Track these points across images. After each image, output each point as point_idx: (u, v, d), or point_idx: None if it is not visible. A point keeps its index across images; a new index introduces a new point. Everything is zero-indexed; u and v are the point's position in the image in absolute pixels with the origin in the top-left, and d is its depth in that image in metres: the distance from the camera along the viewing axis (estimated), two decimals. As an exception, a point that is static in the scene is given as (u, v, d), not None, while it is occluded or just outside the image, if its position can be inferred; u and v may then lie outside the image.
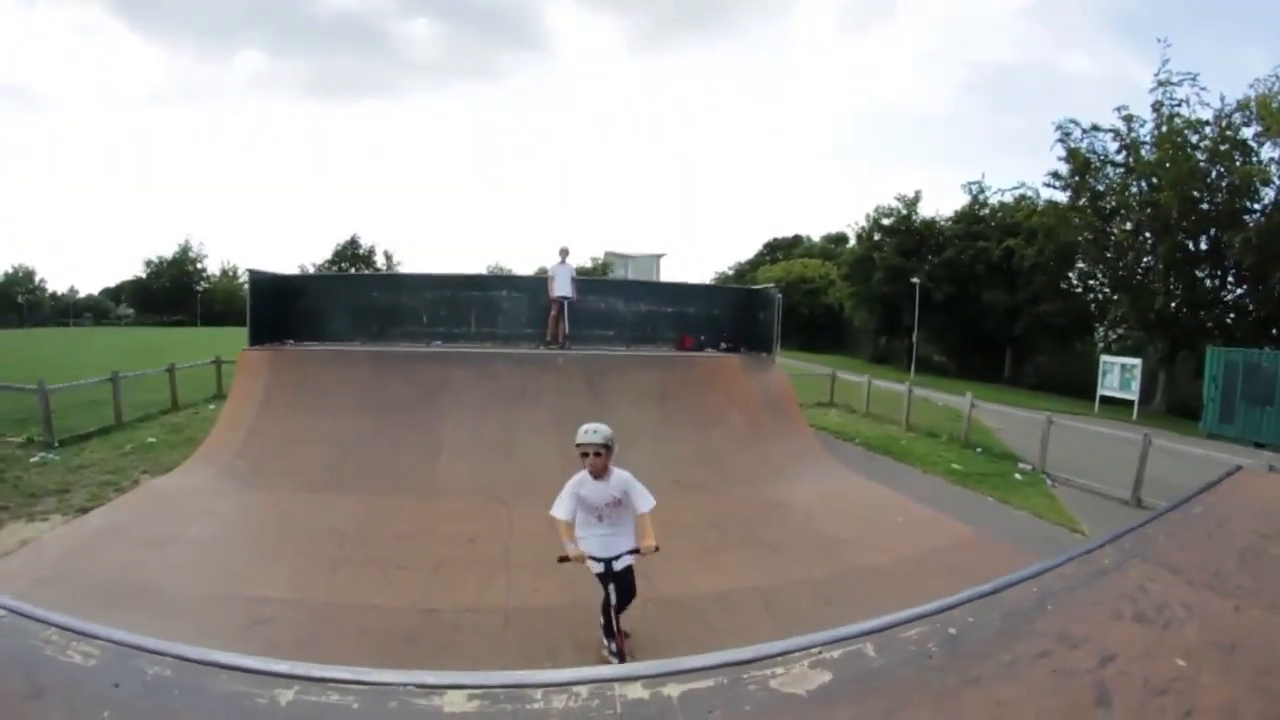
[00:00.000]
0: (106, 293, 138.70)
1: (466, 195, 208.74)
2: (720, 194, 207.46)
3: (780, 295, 19.83)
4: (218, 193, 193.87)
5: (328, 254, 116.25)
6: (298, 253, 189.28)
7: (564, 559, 6.60)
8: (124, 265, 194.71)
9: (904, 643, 2.49)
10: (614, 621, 6.78)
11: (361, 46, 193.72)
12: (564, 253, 19.17)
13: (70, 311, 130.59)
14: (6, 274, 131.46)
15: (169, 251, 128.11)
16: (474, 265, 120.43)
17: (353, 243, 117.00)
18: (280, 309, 19.83)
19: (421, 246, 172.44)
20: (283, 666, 2.41)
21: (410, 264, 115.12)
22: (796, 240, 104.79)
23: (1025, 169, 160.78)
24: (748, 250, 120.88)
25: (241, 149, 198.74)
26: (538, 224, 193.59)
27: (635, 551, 6.70)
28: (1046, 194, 48.58)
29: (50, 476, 15.09)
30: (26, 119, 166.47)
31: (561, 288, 18.60)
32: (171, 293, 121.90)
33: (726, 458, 14.05)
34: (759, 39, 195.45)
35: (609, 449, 6.62)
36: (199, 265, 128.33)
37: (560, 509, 6.77)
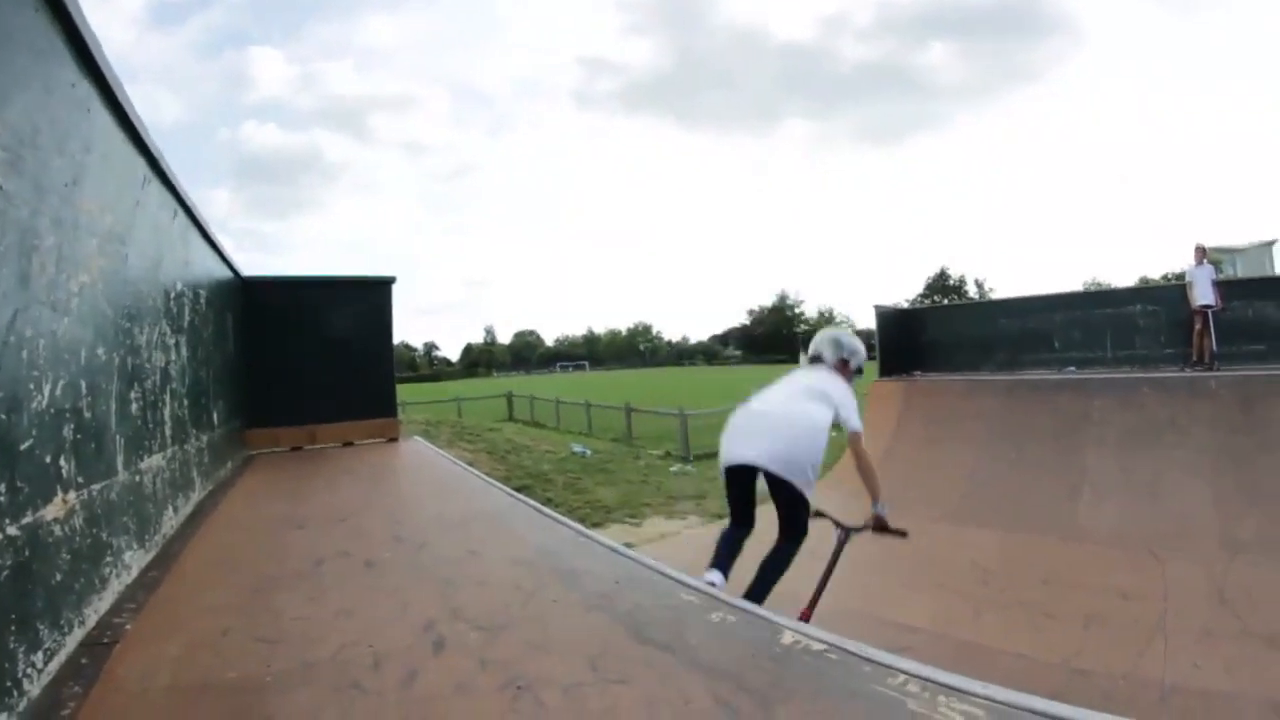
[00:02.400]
0: (714, 338, 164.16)
1: (1041, 206, 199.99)
2: None
3: None
4: (804, 244, 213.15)
5: (919, 287, 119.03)
6: (889, 290, 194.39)
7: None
8: (729, 315, 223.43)
9: None
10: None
11: (890, 87, 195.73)
12: (1200, 251, 16.68)
13: (683, 355, 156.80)
14: (629, 328, 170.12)
15: (768, 300, 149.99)
16: (1068, 282, 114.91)
17: (942, 275, 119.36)
18: (907, 341, 20.29)
19: (1010, 270, 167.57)
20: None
21: (1002, 289, 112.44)
22: None
23: None
24: None
25: (814, 203, 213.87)
26: (1123, 226, 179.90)
27: None
28: None
29: (687, 484, 16.50)
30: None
31: (1203, 295, 16.14)
32: (772, 335, 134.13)
33: None
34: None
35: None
36: (797, 310, 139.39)
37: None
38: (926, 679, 2.63)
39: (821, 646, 2.99)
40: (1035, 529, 11.48)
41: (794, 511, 5.54)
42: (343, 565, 4.41)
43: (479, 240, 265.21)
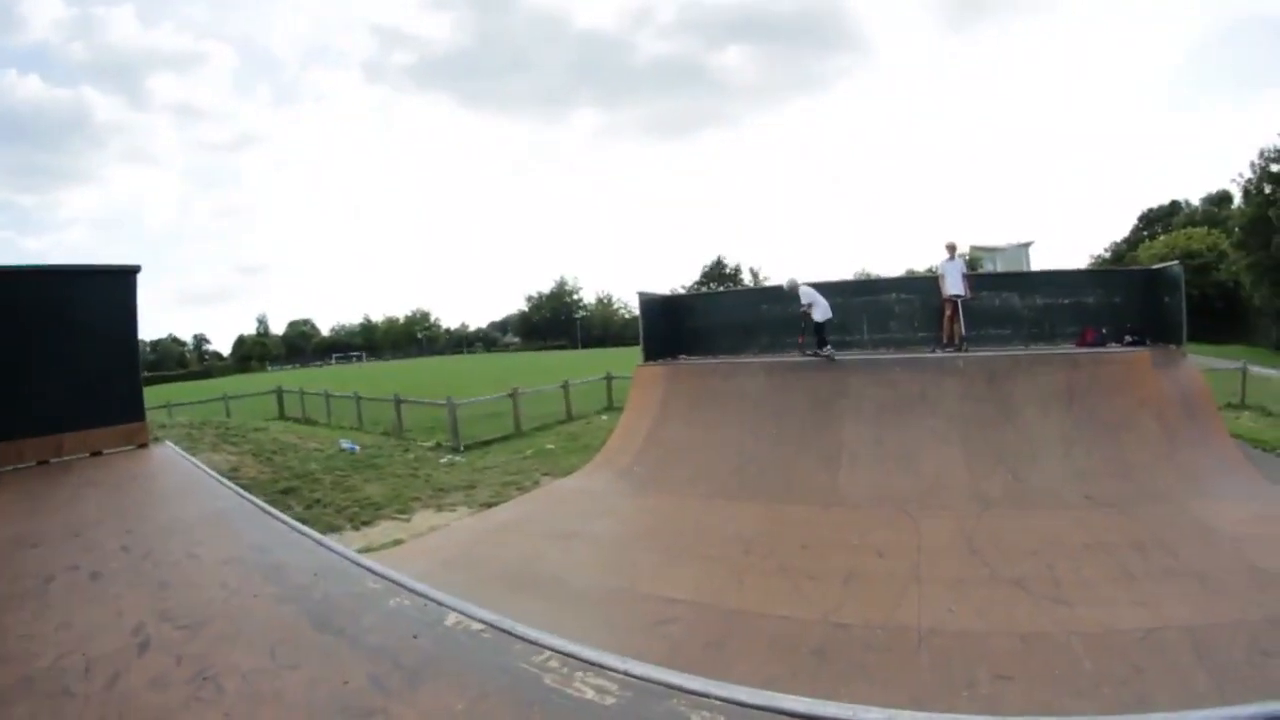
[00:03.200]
0: (494, 325, 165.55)
1: (821, 205, 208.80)
2: (1078, 168, 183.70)
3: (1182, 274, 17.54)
4: (585, 232, 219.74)
5: (695, 275, 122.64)
6: (666, 277, 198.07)
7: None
8: (508, 302, 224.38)
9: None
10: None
11: (683, 84, 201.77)
12: (951, 249, 18.11)
13: (463, 343, 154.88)
14: (406, 316, 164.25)
15: (547, 287, 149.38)
16: (839, 274, 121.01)
17: (718, 263, 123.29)
18: (671, 326, 20.81)
19: (784, 261, 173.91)
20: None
21: (776, 279, 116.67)
22: (1174, 208, 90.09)
23: None
24: (1120, 228, 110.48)
25: (597, 191, 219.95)
26: (895, 226, 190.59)
27: None
28: None
29: (457, 475, 16.41)
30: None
31: (953, 286, 17.57)
32: (551, 322, 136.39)
33: (1140, 469, 12.37)
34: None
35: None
36: (575, 296, 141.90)
37: None
38: (568, 654, 2.85)
39: (480, 626, 3.19)
40: (797, 499, 11.98)
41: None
42: (70, 579, 4.36)
43: (255, 221, 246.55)
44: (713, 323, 21.43)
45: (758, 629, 7.80)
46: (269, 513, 5.80)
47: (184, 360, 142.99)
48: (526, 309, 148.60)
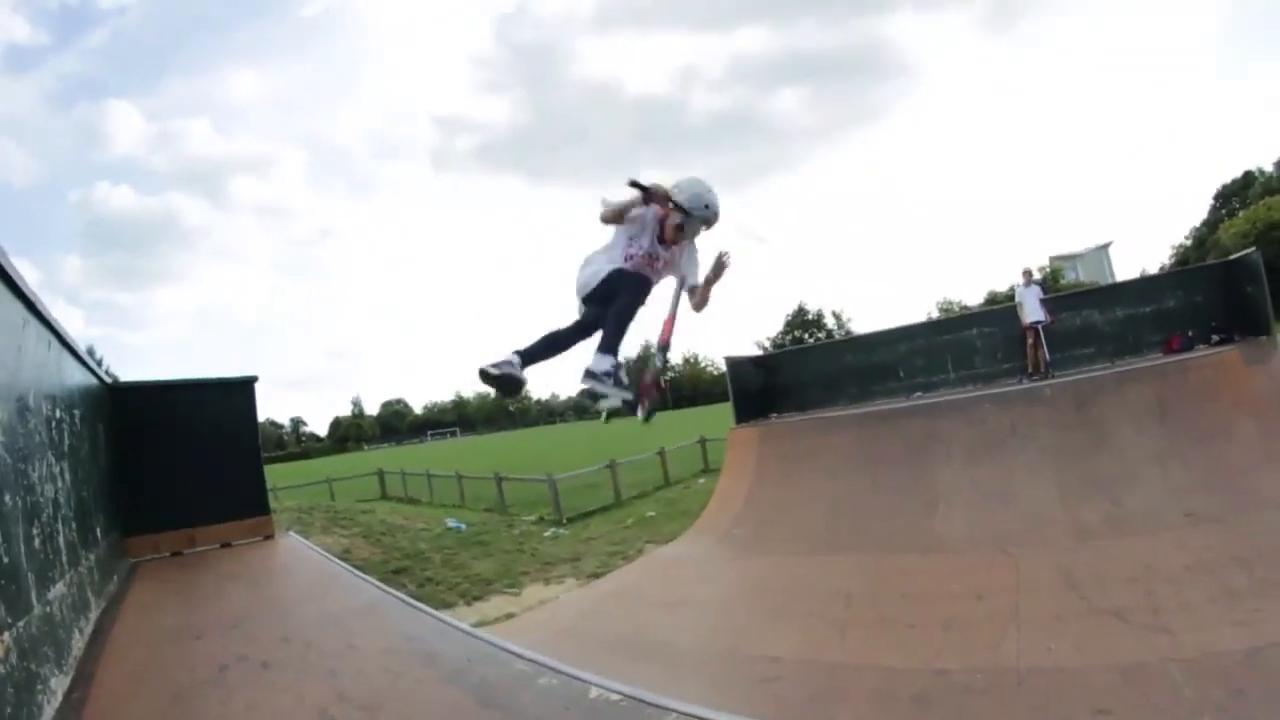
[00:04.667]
0: (583, 393, 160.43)
1: (893, 236, 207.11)
2: (1146, 157, 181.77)
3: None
4: (666, 292, 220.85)
5: (779, 325, 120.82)
6: (750, 329, 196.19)
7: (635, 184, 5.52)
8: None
9: None
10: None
11: (742, 133, 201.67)
12: (1027, 274, 18.45)
13: (553, 412, 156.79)
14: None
15: (633, 351, 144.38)
16: (921, 303, 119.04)
17: (800, 310, 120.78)
18: (761, 386, 21.03)
19: (865, 298, 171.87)
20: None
21: (860, 321, 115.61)
22: (1248, 179, 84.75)
23: None
24: (1197, 211, 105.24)
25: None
26: (971, 246, 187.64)
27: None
28: None
29: (562, 547, 16.81)
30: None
31: (1032, 312, 17.74)
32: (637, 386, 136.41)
33: (1241, 478, 11.54)
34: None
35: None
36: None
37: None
38: (688, 714, 3.31)
39: (617, 697, 3.61)
40: (894, 548, 11.98)
41: None
42: (243, 669, 4.68)
43: (342, 308, 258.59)
44: (801, 378, 21.70)
45: (860, 681, 7.99)
46: (414, 605, 6.19)
47: (282, 442, 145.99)
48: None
